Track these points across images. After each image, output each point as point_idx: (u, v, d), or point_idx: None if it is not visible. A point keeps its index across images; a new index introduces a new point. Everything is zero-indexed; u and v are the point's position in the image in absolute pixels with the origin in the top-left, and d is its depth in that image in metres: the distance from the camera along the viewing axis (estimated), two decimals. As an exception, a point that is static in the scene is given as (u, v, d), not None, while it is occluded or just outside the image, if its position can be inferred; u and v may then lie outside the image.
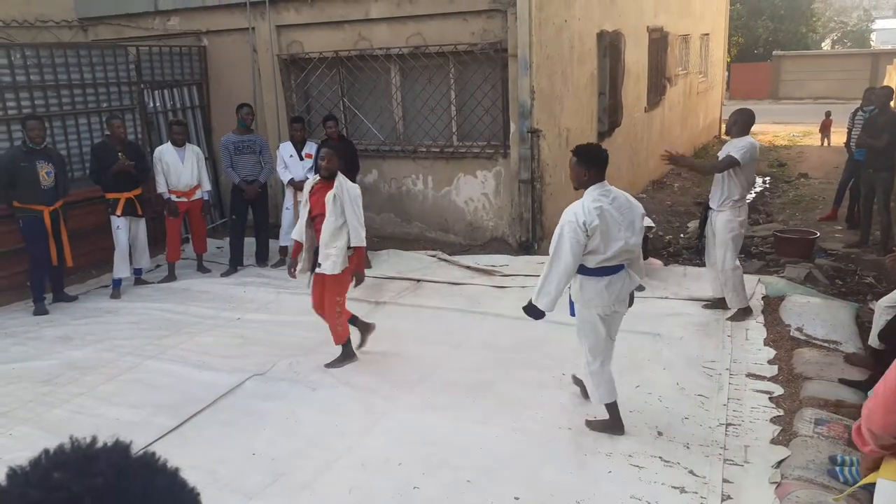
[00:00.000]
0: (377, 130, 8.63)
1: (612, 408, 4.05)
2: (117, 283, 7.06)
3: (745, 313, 5.74)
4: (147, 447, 3.81)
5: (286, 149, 7.69)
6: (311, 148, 7.65)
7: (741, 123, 5.62)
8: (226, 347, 5.60)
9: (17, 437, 4.29)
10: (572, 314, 4.10)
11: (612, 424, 4.07)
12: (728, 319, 5.76)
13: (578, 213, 3.73)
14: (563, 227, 3.76)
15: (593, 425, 4.11)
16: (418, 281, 7.06)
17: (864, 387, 4.30)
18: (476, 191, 8.14)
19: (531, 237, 7.83)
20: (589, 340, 4.00)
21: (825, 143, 17.07)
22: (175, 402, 4.66)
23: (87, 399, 4.78)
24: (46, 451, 0.78)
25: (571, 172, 3.92)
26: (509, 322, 5.89)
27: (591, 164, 3.82)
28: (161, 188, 7.32)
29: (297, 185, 7.66)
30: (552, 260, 3.80)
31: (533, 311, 3.96)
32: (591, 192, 3.80)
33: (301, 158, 7.63)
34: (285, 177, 7.65)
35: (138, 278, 7.37)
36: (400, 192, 8.57)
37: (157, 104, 8.80)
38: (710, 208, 5.80)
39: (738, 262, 5.70)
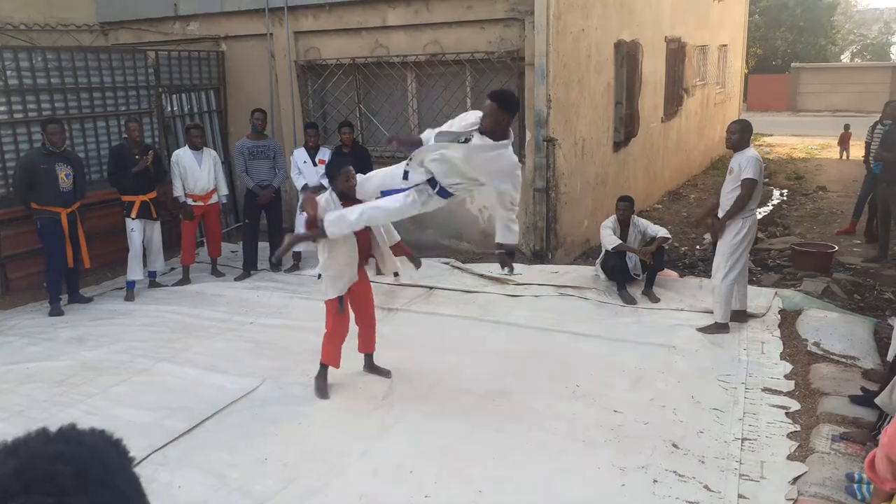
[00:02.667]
0: (393, 137, 8.64)
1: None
2: (131, 286, 7.10)
3: (719, 328, 5.68)
4: (159, 450, 3.77)
5: (300, 155, 7.71)
6: (324, 154, 7.67)
7: (742, 134, 5.59)
8: (238, 351, 5.61)
9: (31, 437, 4.30)
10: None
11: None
12: (698, 330, 5.73)
13: None
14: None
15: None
16: (431, 288, 7.05)
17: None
18: (490, 199, 8.10)
19: (545, 246, 7.80)
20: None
21: (844, 156, 16.92)
22: (187, 406, 4.66)
23: (100, 400, 4.80)
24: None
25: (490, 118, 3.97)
26: (522, 331, 5.87)
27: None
28: (178, 191, 7.35)
29: (311, 191, 7.67)
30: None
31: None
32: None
33: (315, 164, 7.65)
34: (299, 182, 7.67)
35: (152, 281, 7.41)
36: (414, 198, 8.55)
37: (175, 108, 8.87)
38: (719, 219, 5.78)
39: (732, 276, 5.62)
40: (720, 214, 5.74)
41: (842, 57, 41.04)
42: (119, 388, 4.98)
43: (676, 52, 11.95)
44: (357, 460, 3.96)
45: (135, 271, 7.09)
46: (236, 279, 7.59)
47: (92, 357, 5.55)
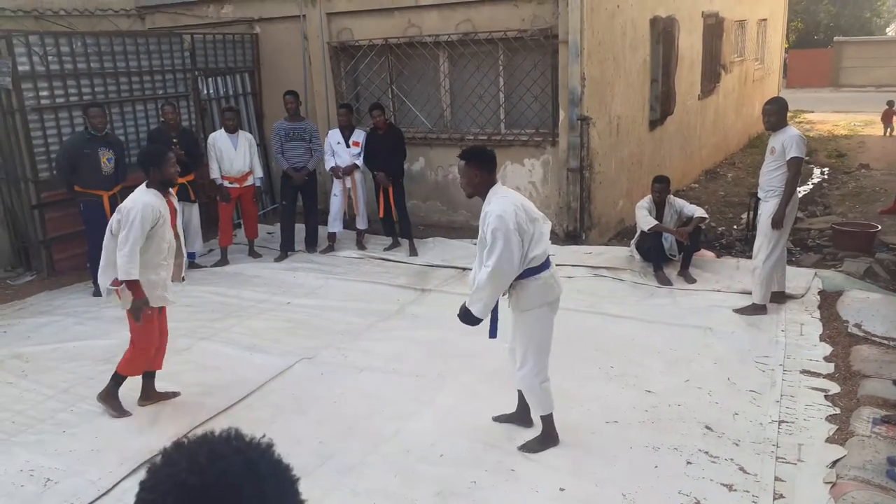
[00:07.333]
0: (425, 118, 8.64)
1: (549, 420, 3.86)
2: (172, 267, 7.24)
3: (756, 309, 5.59)
4: (198, 427, 3.88)
5: (334, 135, 7.75)
6: (358, 136, 7.68)
7: (780, 114, 5.46)
8: (276, 331, 5.70)
9: (79, 412, 4.46)
10: (493, 335, 3.90)
11: (548, 435, 3.86)
12: (735, 311, 5.64)
13: (507, 215, 3.49)
14: (496, 231, 3.48)
15: (528, 447, 3.83)
16: (464, 269, 7.05)
17: None
18: (523, 179, 8.08)
19: (579, 227, 7.75)
20: (543, 340, 3.80)
21: (888, 133, 16.42)
22: (226, 384, 4.77)
23: (142, 378, 4.92)
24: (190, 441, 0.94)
25: (463, 179, 3.72)
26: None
27: (483, 166, 3.65)
28: (214, 174, 7.46)
29: (340, 171, 7.64)
30: (492, 271, 3.52)
31: (468, 318, 3.80)
32: (497, 193, 3.64)
33: (348, 146, 7.67)
34: (329, 163, 7.68)
35: (192, 262, 7.53)
36: (446, 180, 8.56)
37: (211, 91, 8.97)
38: (759, 198, 5.68)
39: (774, 256, 5.52)
40: (760, 195, 5.65)
41: (887, 30, 39.63)
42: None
43: (714, 28, 11.68)
44: (391, 438, 4.02)
45: (174, 253, 7.22)
46: (274, 260, 7.69)
47: (134, 336, 5.68)
